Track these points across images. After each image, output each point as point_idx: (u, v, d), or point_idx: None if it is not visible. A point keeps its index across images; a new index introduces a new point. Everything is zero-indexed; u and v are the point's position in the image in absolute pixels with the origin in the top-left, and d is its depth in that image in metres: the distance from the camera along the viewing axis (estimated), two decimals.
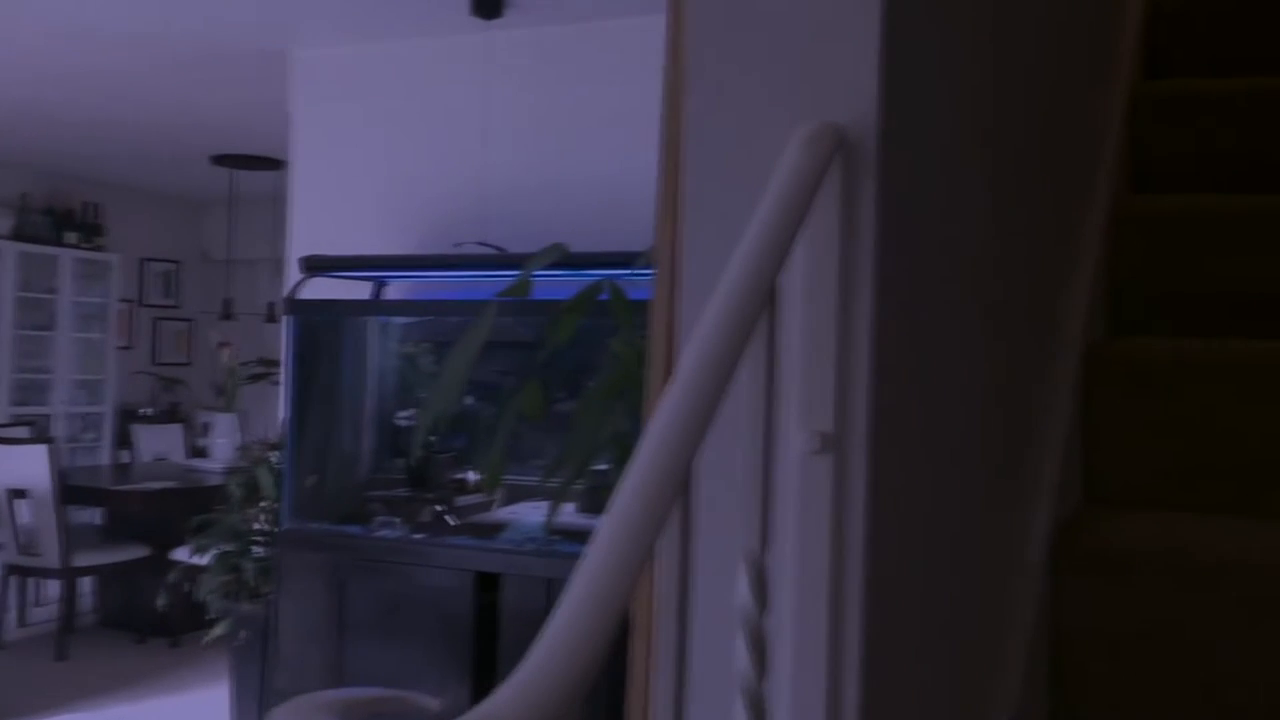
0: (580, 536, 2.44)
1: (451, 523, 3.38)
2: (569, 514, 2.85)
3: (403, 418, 3.72)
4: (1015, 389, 1.23)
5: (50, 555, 4.64)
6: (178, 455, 6.10)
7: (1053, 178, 1.41)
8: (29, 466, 4.64)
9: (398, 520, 3.40)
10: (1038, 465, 1.32)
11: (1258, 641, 1.18)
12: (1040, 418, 1.34)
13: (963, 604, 1.03)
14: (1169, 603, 1.21)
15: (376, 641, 3.18)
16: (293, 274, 3.46)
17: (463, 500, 3.50)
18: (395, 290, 3.61)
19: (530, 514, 3.25)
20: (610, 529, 0.56)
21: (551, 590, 2.78)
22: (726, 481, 0.74)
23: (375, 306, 3.58)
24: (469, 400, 3.53)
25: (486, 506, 3.50)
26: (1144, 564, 1.23)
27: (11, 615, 4.95)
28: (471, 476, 3.54)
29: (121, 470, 5.72)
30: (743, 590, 0.68)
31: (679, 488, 0.59)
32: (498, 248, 3.23)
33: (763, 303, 0.68)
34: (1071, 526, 1.32)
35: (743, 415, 0.71)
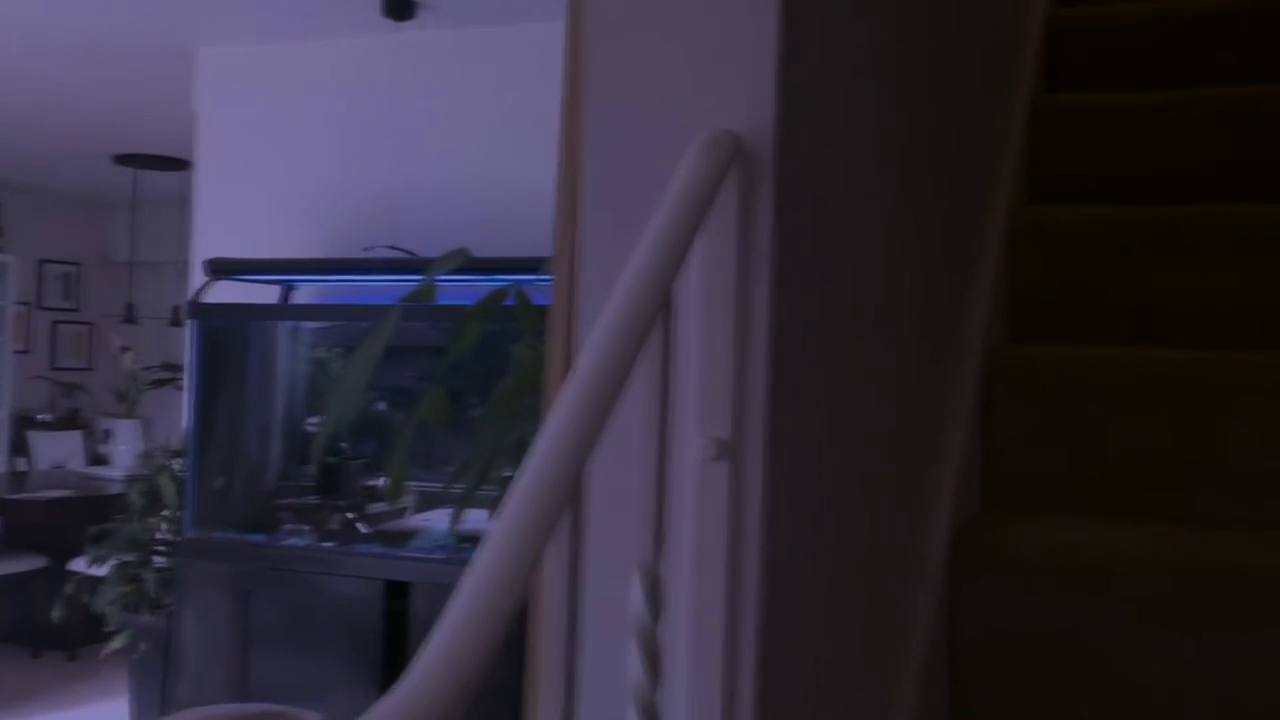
0: None
1: (362, 530, 3.33)
2: (481, 520, 2.83)
3: (312, 424, 3.66)
4: (915, 395, 1.24)
5: None
6: (77, 463, 5.92)
7: (953, 187, 1.43)
8: None
9: (306, 528, 3.34)
10: (937, 471, 1.33)
11: (1144, 640, 1.21)
12: (940, 424, 1.36)
13: (862, 608, 1.04)
14: (1059, 604, 1.24)
15: (282, 653, 3.12)
16: (197, 277, 3.38)
17: (374, 507, 3.45)
18: (304, 295, 3.55)
19: (442, 521, 3.21)
20: (498, 536, 0.55)
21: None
22: (622, 489, 0.73)
23: (281, 311, 3.52)
24: (382, 406, 3.48)
25: (399, 514, 3.46)
26: (1036, 567, 1.26)
27: None
28: (384, 483, 3.50)
29: (17, 479, 5.54)
30: (636, 598, 0.68)
31: (569, 494, 0.59)
32: (409, 252, 3.19)
33: (657, 309, 0.68)
34: (969, 531, 1.34)
35: (637, 422, 0.70)
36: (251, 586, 3.15)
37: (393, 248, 3.24)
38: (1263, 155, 1.76)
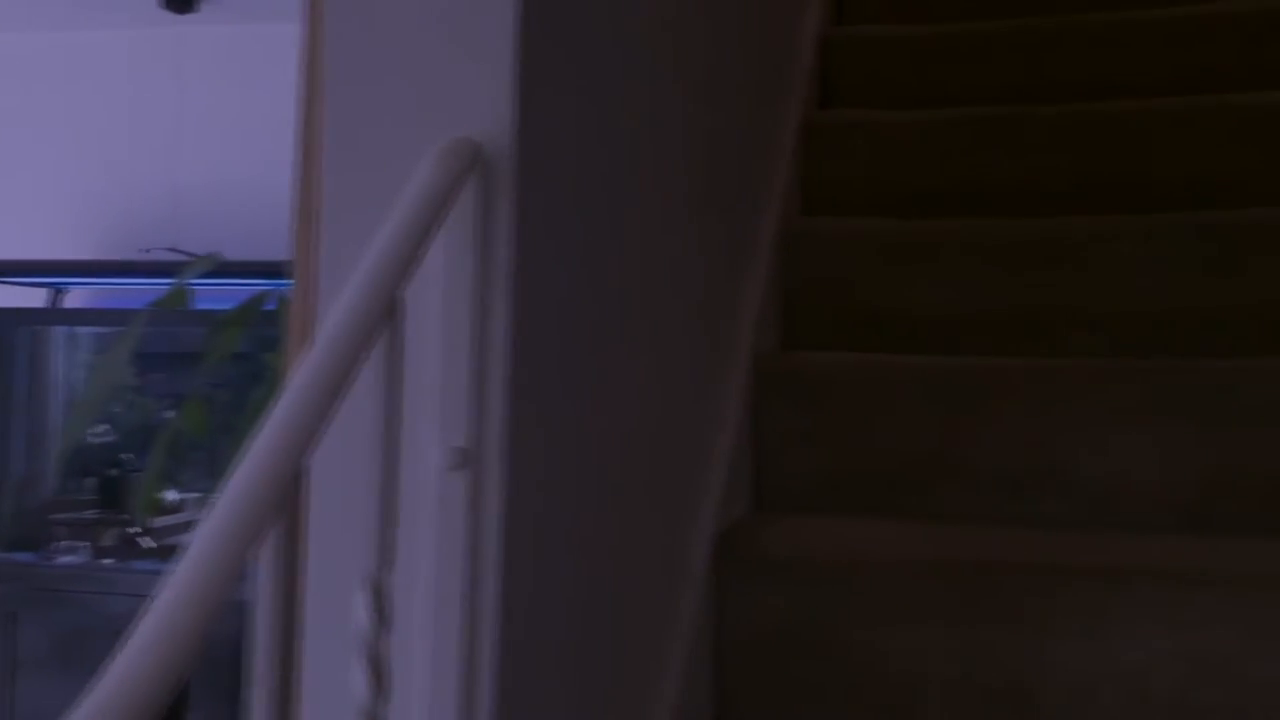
0: None
1: (144, 545, 3.17)
2: None
3: (94, 434, 3.47)
4: (681, 398, 1.27)
5: None
6: None
7: (721, 196, 1.47)
8: None
9: (82, 545, 3.16)
10: (705, 472, 1.36)
11: (891, 631, 1.27)
12: (709, 427, 1.39)
13: (620, 611, 1.05)
14: (815, 601, 1.28)
15: (52, 678, 2.94)
16: None
17: (162, 521, 3.29)
18: (79, 298, 3.36)
19: None
20: (194, 546, 0.53)
21: (244, 614, 2.65)
22: (354, 500, 0.72)
23: (45, 315, 3.31)
24: (171, 414, 3.33)
25: (187, 526, 3.31)
26: (795, 566, 1.30)
27: None
28: (172, 495, 3.34)
29: None
30: (360, 611, 0.67)
31: (278, 503, 0.57)
32: (190, 254, 3.06)
33: (381, 316, 0.67)
34: (735, 533, 1.38)
35: (363, 432, 0.69)
36: (17, 608, 2.96)
37: (173, 250, 3.10)
38: (1017, 171, 1.87)
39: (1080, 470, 1.43)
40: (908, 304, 1.72)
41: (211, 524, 0.54)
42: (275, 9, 3.14)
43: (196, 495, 3.11)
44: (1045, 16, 2.11)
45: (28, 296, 3.24)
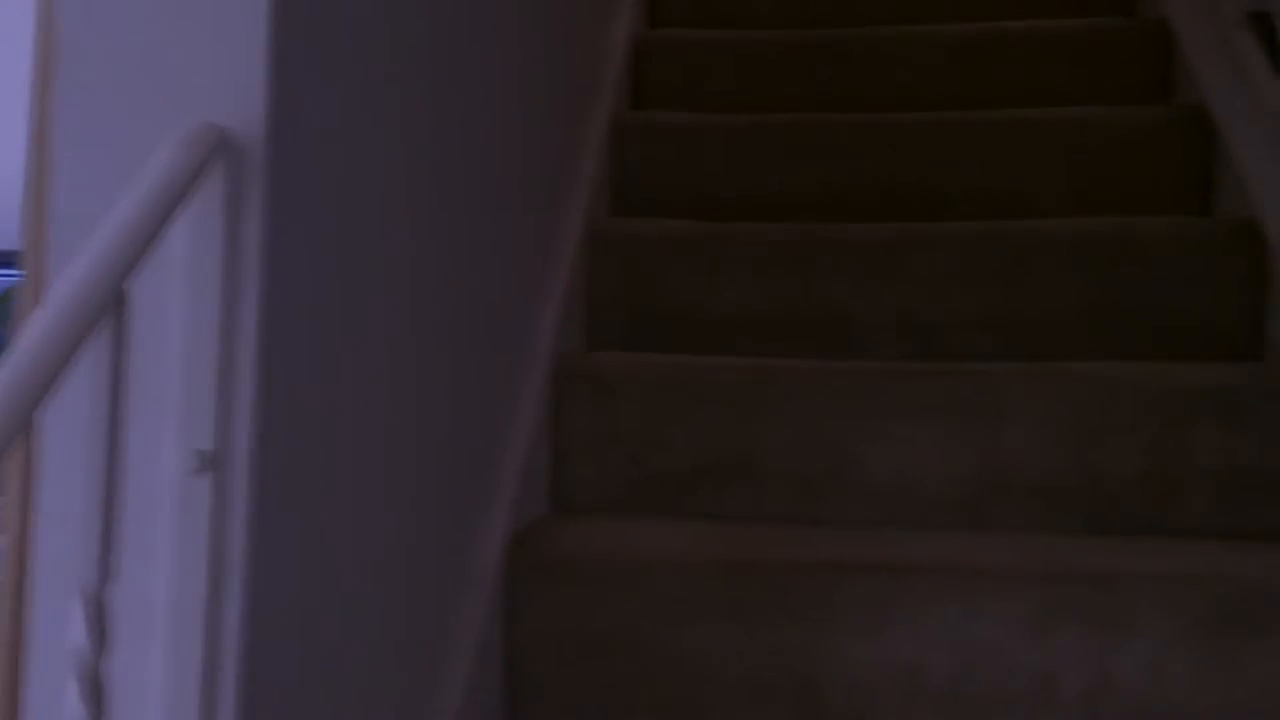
0: None
1: None
2: None
3: None
4: (471, 398, 1.24)
5: None
6: None
7: (520, 195, 1.45)
8: None
9: None
10: (497, 475, 1.34)
11: (683, 635, 1.27)
12: (502, 428, 1.37)
13: (397, 620, 1.02)
14: (609, 603, 1.28)
15: None
16: None
17: None
18: None
19: None
20: None
21: None
22: (80, 510, 0.67)
23: None
24: None
25: None
26: (589, 568, 1.29)
27: None
28: None
29: None
30: (77, 628, 0.62)
31: None
32: None
33: (102, 309, 0.62)
34: (529, 535, 1.36)
35: (83, 436, 0.65)
36: None
37: None
38: (821, 177, 1.92)
39: (867, 470, 1.47)
40: (711, 305, 1.74)
41: None
42: None
43: None
44: (850, 28, 2.17)
45: None
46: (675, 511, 1.51)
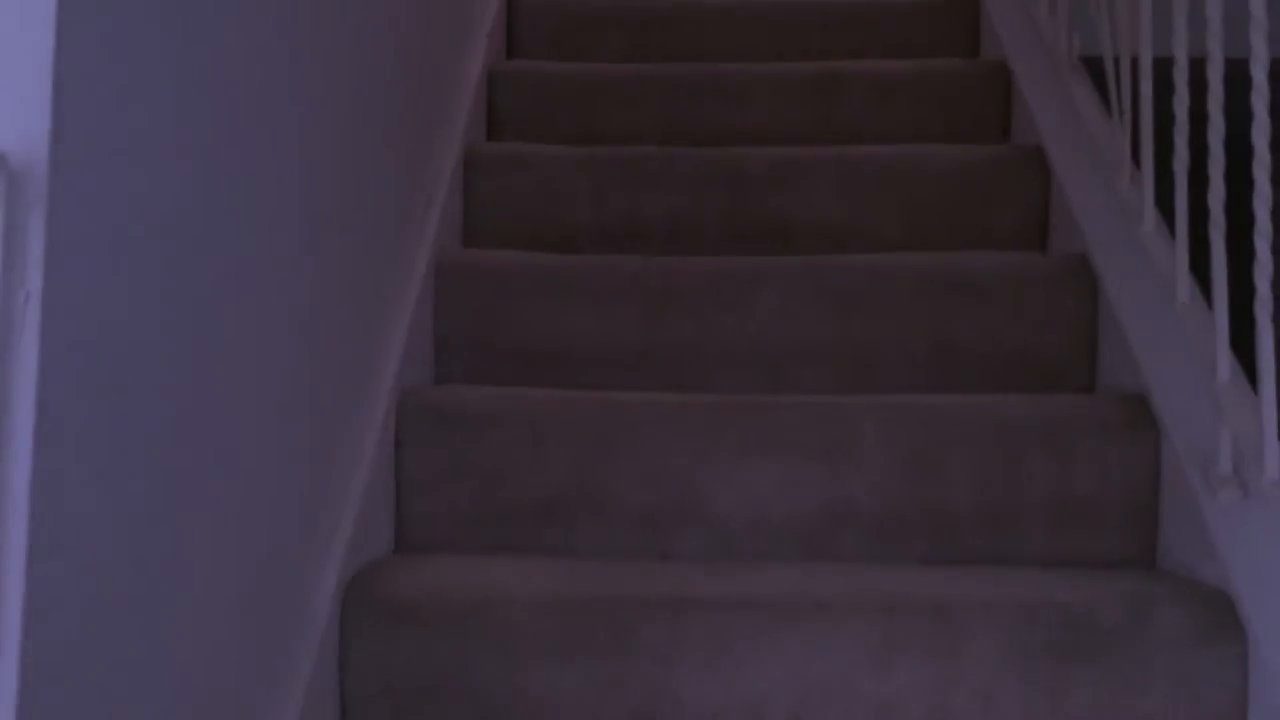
0: None
1: None
2: None
3: None
4: (296, 436, 1.20)
5: None
6: None
7: (359, 226, 1.41)
8: None
9: None
10: (332, 514, 1.30)
11: (525, 675, 1.24)
12: (338, 465, 1.33)
13: (225, 673, 0.97)
14: (449, 644, 1.24)
15: None
16: None
17: None
18: None
19: None
20: None
21: None
22: None
23: None
24: None
25: None
26: (427, 610, 1.26)
27: None
28: None
29: None
30: None
31: None
32: None
33: None
34: (366, 576, 1.32)
35: None
36: None
37: None
38: (670, 210, 1.92)
39: (714, 504, 1.46)
40: (560, 338, 1.72)
41: None
42: None
43: None
44: (698, 64, 2.19)
45: None
46: (522, 548, 1.48)
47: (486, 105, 2.15)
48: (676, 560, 1.45)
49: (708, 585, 1.33)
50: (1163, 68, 1.47)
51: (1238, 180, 1.25)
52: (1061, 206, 1.83)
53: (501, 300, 1.74)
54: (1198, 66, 1.34)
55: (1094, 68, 1.82)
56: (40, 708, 0.71)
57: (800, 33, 2.34)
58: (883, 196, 1.89)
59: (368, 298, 1.47)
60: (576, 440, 1.50)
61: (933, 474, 1.46)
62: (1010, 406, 1.51)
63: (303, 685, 1.16)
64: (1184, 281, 1.40)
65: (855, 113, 2.10)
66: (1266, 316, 1.20)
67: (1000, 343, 1.68)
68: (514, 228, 1.95)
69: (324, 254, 1.27)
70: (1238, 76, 1.23)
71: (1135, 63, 1.56)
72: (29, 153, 0.71)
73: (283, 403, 1.15)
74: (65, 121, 0.72)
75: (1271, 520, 1.20)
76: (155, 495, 0.86)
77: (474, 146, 2.00)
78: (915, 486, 1.45)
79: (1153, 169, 1.52)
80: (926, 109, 2.10)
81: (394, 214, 1.60)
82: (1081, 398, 1.59)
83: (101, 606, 0.79)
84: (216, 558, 0.99)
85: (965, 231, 1.90)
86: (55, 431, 0.72)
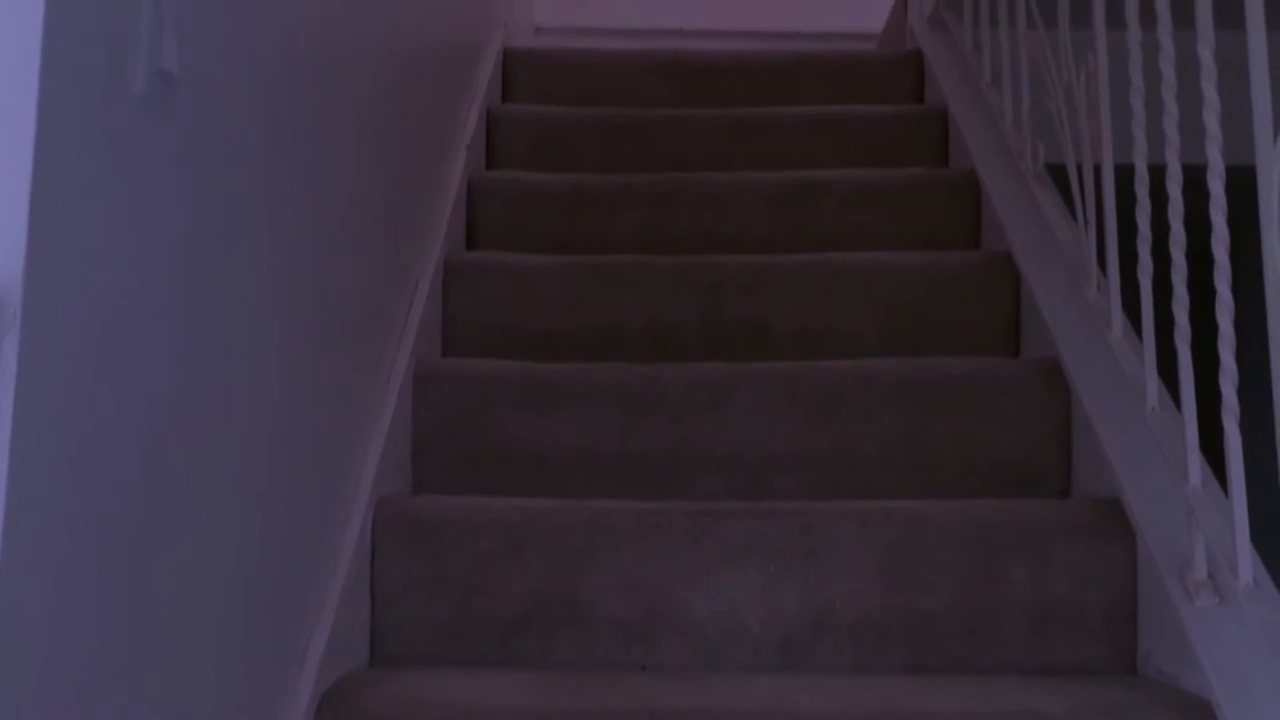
0: None
1: None
2: None
3: None
4: (271, 550, 1.19)
5: None
6: None
7: (338, 338, 1.42)
8: None
9: None
10: (306, 627, 1.28)
11: None
12: (313, 577, 1.32)
13: None
14: None
15: None
16: None
17: None
18: None
19: None
20: None
21: None
22: None
23: None
24: None
25: None
26: None
27: None
28: None
29: None
30: None
31: None
32: None
33: None
34: (340, 691, 1.30)
35: None
36: None
37: None
38: (647, 317, 1.94)
39: (692, 612, 1.46)
40: (540, 446, 1.72)
41: None
42: None
43: None
44: (674, 173, 2.24)
45: None
46: (499, 660, 1.46)
47: (466, 214, 2.19)
48: (655, 671, 1.44)
49: (687, 698, 1.32)
50: (1126, 174, 1.51)
51: (1205, 284, 1.28)
52: (1032, 311, 1.86)
53: (480, 408, 1.74)
54: (1161, 173, 1.38)
55: (1059, 174, 1.87)
56: None
57: (775, 141, 2.39)
58: (858, 301, 1.92)
59: (346, 408, 1.47)
60: (555, 550, 1.50)
61: (912, 581, 1.46)
62: (987, 512, 1.51)
63: None
64: (1153, 387, 1.41)
65: (829, 219, 2.13)
66: (1234, 423, 1.21)
67: (976, 447, 1.69)
68: (493, 335, 1.96)
69: (300, 367, 1.28)
70: (1200, 183, 1.27)
71: (1098, 170, 1.60)
72: (3, 280, 0.72)
73: (257, 516, 1.14)
74: (40, 251, 0.73)
75: (1248, 627, 1.20)
76: (123, 613, 0.86)
77: (454, 255, 2.02)
78: (894, 593, 1.45)
79: (1119, 276, 1.55)
80: (899, 216, 2.15)
81: (373, 324, 1.61)
82: (1058, 503, 1.59)
83: None
84: (192, 673, 0.97)
85: (939, 335, 1.92)
86: (22, 549, 0.72)
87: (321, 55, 1.33)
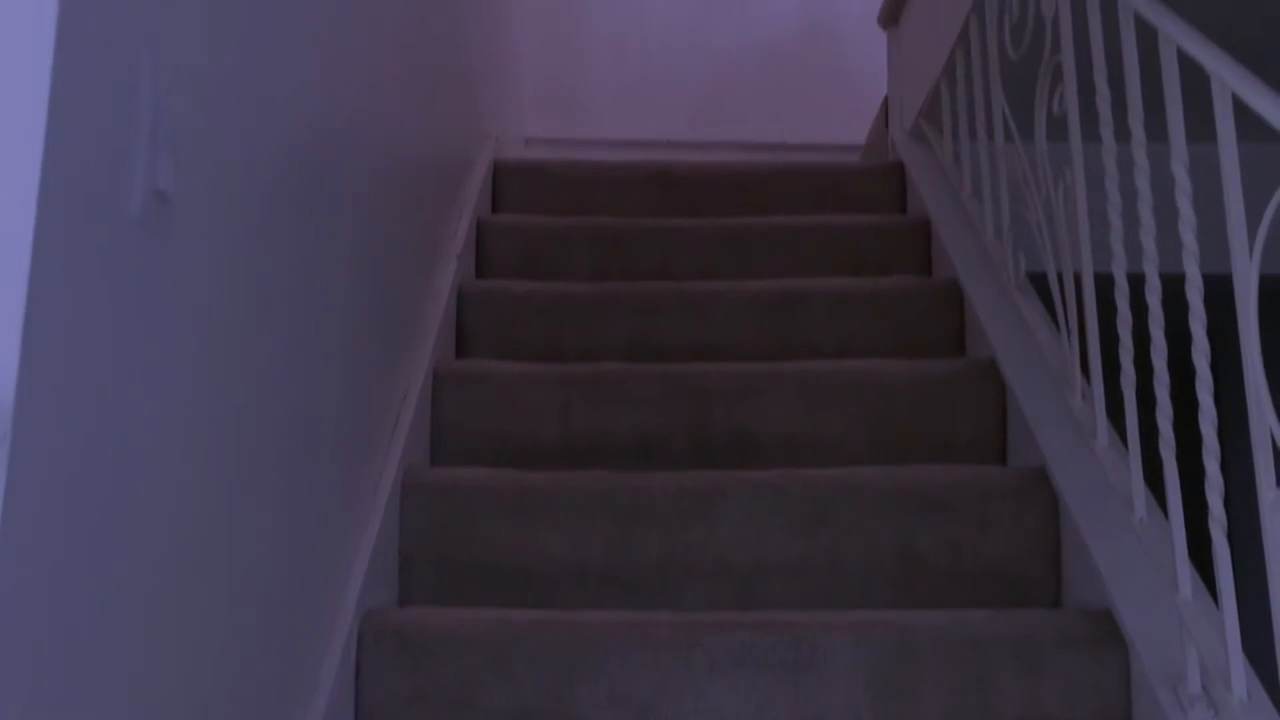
0: None
1: None
2: None
3: None
4: (254, 664, 1.17)
5: None
6: None
7: (324, 450, 1.42)
8: None
9: None
10: None
11: None
12: (298, 691, 1.30)
13: None
14: None
15: None
16: None
17: None
18: None
19: None
20: None
21: None
22: None
23: None
24: None
25: None
26: None
27: None
28: None
29: None
30: None
31: None
32: None
33: None
34: None
35: None
36: None
37: None
38: (635, 426, 1.95)
39: None
40: (529, 557, 1.71)
41: None
42: None
43: None
44: (661, 282, 2.26)
45: None
46: None
47: (456, 322, 2.20)
48: None
49: None
50: (1107, 283, 1.53)
51: (1188, 393, 1.29)
52: (1018, 419, 1.87)
53: (468, 519, 1.73)
54: (1142, 281, 1.40)
55: (1041, 281, 1.90)
56: None
57: (761, 251, 2.43)
58: (845, 410, 1.93)
59: (332, 523, 1.46)
60: (542, 663, 1.47)
61: (903, 692, 1.44)
62: (978, 623, 1.50)
63: None
64: (1140, 497, 1.42)
65: (815, 328, 2.16)
66: (1222, 535, 1.21)
67: (966, 557, 1.68)
68: (482, 443, 1.96)
69: (289, 485, 1.27)
70: (1180, 292, 1.29)
71: (1079, 279, 1.63)
72: None
73: (238, 631, 1.13)
74: (33, 372, 0.73)
75: None
76: None
77: (443, 364, 2.03)
78: (885, 705, 1.43)
79: (1103, 385, 1.56)
80: (884, 324, 2.17)
81: (361, 437, 1.61)
82: (1049, 613, 1.58)
83: None
84: None
85: (926, 442, 1.92)
86: (9, 659, 0.71)
87: (314, 172, 1.36)
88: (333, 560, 1.46)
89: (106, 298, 0.83)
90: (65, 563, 0.78)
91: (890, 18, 3.00)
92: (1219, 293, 1.30)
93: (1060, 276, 1.70)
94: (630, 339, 2.17)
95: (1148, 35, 1.37)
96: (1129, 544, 1.46)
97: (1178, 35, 1.30)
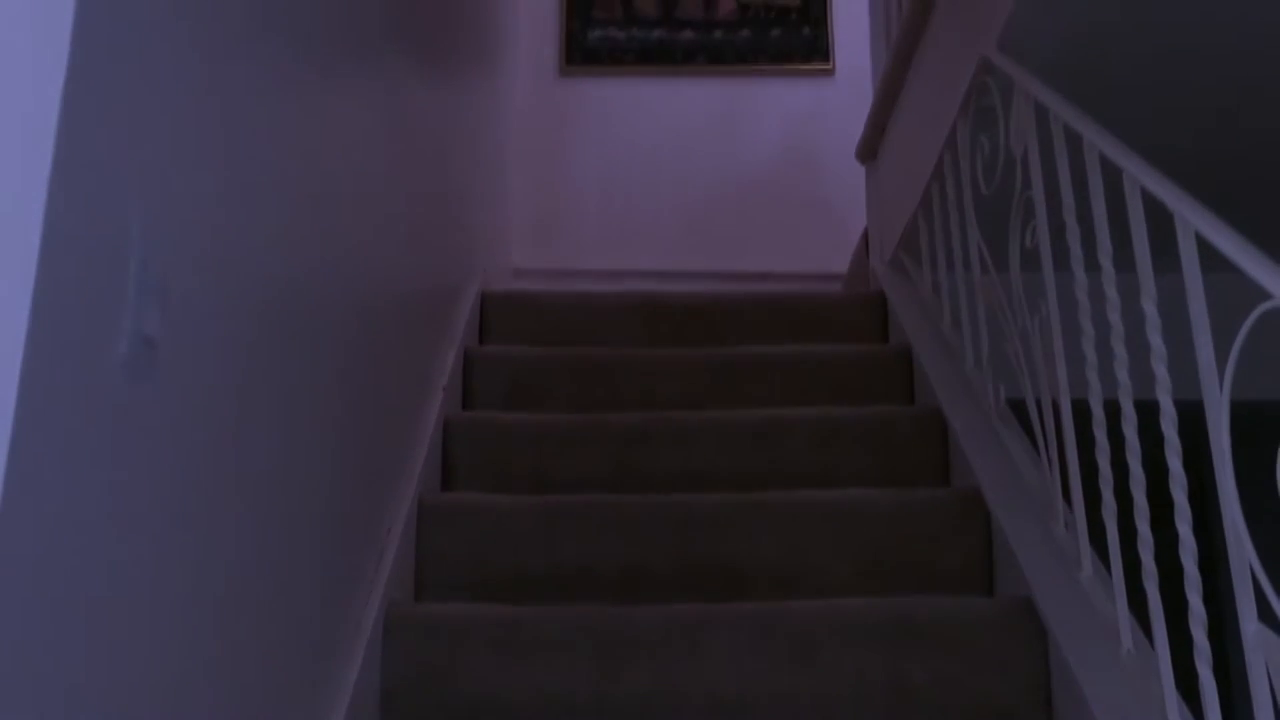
0: None
1: None
2: None
3: None
4: None
5: None
6: None
7: (307, 596, 1.41)
8: None
9: None
10: None
11: None
12: None
13: None
14: None
15: None
16: None
17: None
18: None
19: None
20: None
21: None
22: None
23: None
24: None
25: None
26: None
27: None
28: None
29: None
30: None
31: None
32: None
33: None
34: None
35: None
36: None
37: None
38: (622, 556, 1.94)
39: None
40: (514, 692, 1.69)
41: None
42: None
43: None
44: (646, 412, 2.27)
45: None
46: None
47: (442, 453, 2.21)
48: None
49: None
50: (1086, 411, 1.55)
51: (1169, 522, 1.30)
52: (1003, 548, 1.86)
53: (452, 655, 1.71)
54: (1118, 409, 1.42)
55: (1021, 409, 1.92)
56: None
57: (745, 380, 2.45)
58: (830, 539, 1.92)
59: (312, 664, 1.44)
60: None
61: None
62: None
63: None
64: (1126, 630, 1.41)
65: (799, 456, 2.16)
66: (1207, 667, 1.21)
67: (955, 689, 1.66)
68: (467, 575, 1.94)
69: (270, 632, 1.26)
70: (1156, 422, 1.31)
71: (1057, 408, 1.65)
72: None
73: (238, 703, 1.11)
74: (13, 511, 0.74)
75: None
76: None
77: (429, 496, 2.03)
78: None
79: (1085, 515, 1.57)
80: (867, 452, 2.18)
81: (344, 576, 1.60)
82: None
83: None
84: None
85: (912, 572, 1.92)
86: None
87: (301, 311, 1.38)
88: (310, 704, 1.43)
89: (89, 437, 0.84)
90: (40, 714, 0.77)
91: (868, 153, 3.09)
92: (1197, 415, 1.31)
93: (1039, 406, 1.72)
94: (616, 468, 2.17)
95: (1112, 172, 1.42)
96: (1116, 677, 1.44)
97: (1141, 176, 1.35)
